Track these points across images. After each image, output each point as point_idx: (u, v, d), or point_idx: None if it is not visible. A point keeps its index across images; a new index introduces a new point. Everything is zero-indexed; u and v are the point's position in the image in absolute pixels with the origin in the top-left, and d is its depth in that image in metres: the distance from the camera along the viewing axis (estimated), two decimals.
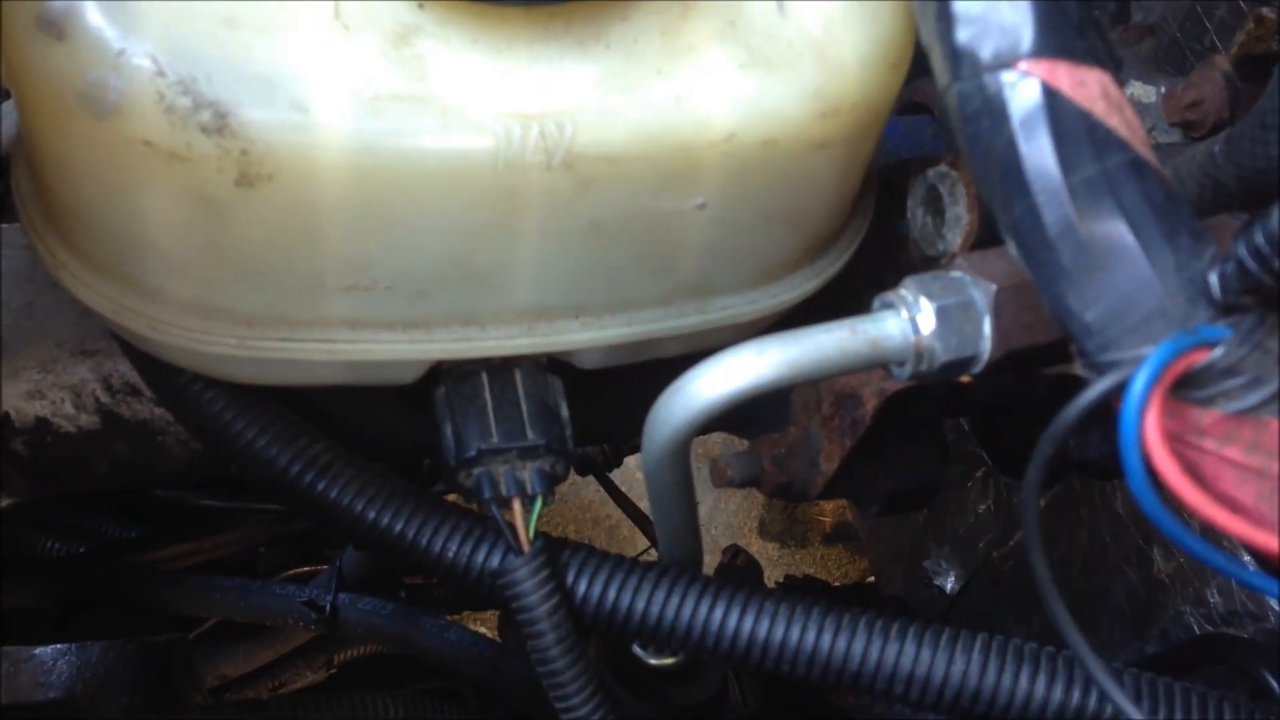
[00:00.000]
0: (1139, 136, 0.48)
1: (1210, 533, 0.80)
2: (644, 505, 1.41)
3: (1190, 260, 0.46)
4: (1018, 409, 0.93)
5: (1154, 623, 1.15)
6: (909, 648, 0.69)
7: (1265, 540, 0.45)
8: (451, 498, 0.77)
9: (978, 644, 0.69)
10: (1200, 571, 1.12)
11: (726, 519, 2.58)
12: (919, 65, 0.82)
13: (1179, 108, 0.83)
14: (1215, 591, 1.09)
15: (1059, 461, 1.00)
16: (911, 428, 0.84)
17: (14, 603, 1.19)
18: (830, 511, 2.56)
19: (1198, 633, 1.10)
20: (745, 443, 0.90)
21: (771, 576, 1.35)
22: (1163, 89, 0.87)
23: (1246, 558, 0.86)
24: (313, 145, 0.57)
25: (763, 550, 2.53)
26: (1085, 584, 1.23)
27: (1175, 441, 0.46)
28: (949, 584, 1.50)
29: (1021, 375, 0.85)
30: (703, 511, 2.54)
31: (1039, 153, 0.47)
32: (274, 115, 0.56)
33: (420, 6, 0.58)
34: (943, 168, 0.80)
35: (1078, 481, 1.29)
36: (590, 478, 1.47)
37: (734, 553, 1.35)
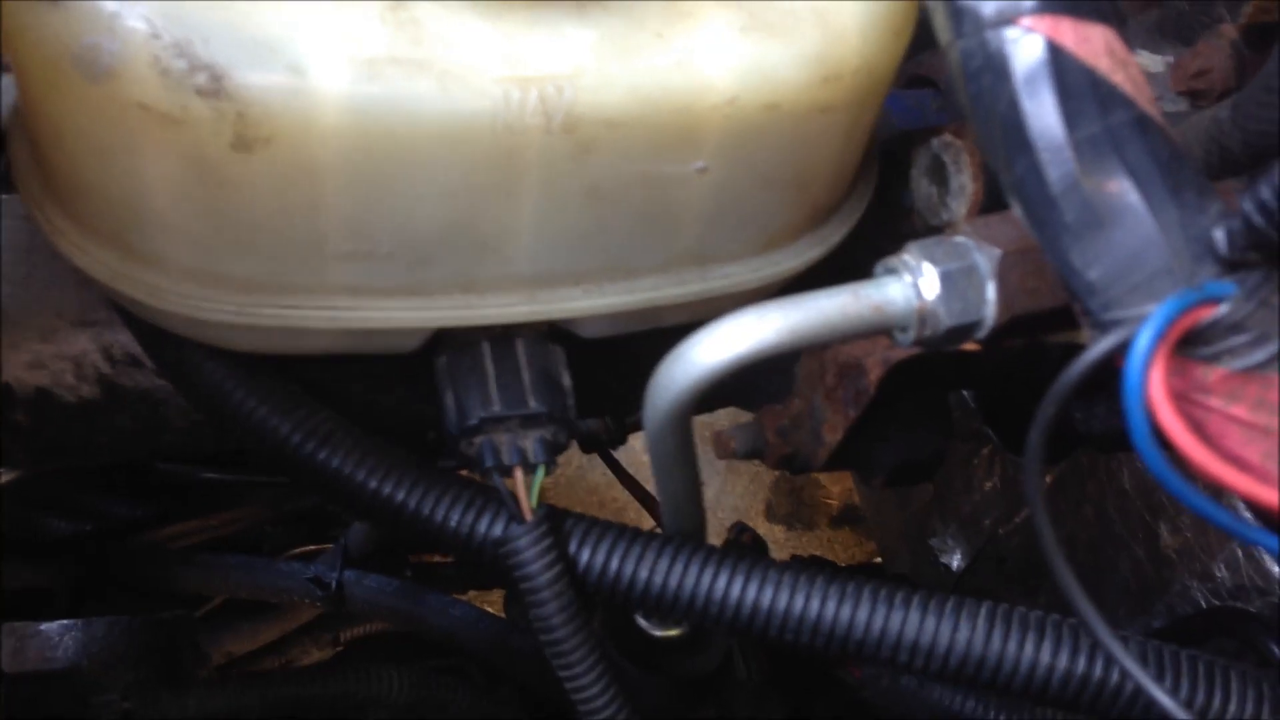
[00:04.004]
0: (1144, 93, 0.47)
1: (1215, 494, 0.79)
2: (650, 487, 1.40)
3: (1196, 217, 0.45)
4: (1024, 384, 0.93)
5: (1160, 598, 1.15)
6: (914, 616, 0.69)
7: (1271, 497, 0.44)
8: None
9: (983, 612, 0.69)
10: (1207, 546, 1.11)
11: (733, 501, 2.58)
12: (923, 39, 0.81)
13: (1186, 76, 0.82)
14: (1222, 566, 1.09)
15: (1067, 435, 0.99)
16: (916, 399, 0.84)
17: (22, 582, 1.19)
18: (837, 494, 2.56)
19: (1204, 607, 1.10)
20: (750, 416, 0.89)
21: (778, 558, 1.34)
22: (1170, 58, 0.86)
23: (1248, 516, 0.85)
24: (309, 109, 0.57)
25: (769, 533, 2.53)
26: (1091, 560, 1.23)
27: (1180, 400, 0.45)
28: (955, 561, 1.50)
29: (1028, 346, 0.84)
30: (709, 494, 2.54)
31: (1042, 110, 0.46)
32: (270, 78, 0.56)
33: None
34: (947, 137, 0.79)
35: (1084, 458, 1.29)
36: (596, 461, 1.46)
37: (739, 530, 1.35)
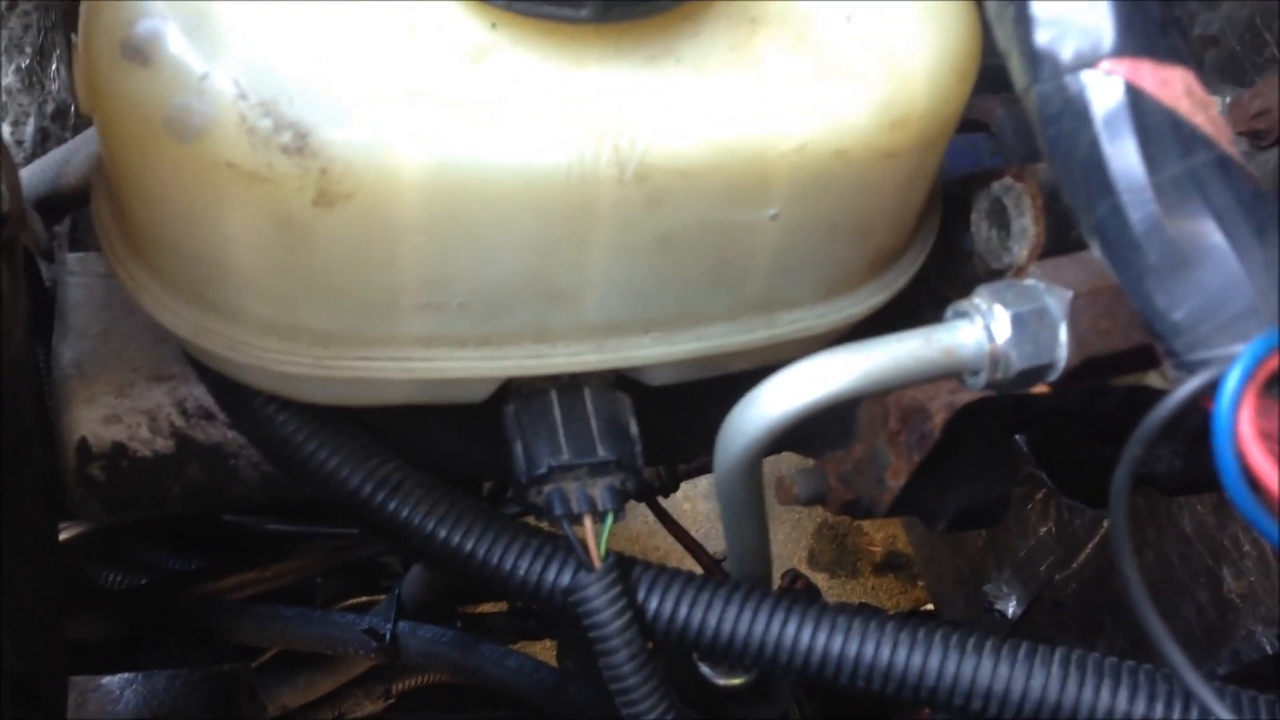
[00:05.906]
0: (1224, 134, 0.47)
1: None
2: (695, 533, 1.40)
3: None
4: (1081, 428, 0.92)
5: (1225, 643, 1.13)
6: (986, 661, 0.68)
7: None
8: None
9: (1056, 657, 0.68)
10: (1272, 590, 1.10)
11: (775, 549, 2.56)
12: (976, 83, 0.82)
13: (1246, 117, 0.82)
14: None
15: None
16: (980, 442, 0.84)
17: (79, 635, 1.20)
18: (880, 541, 2.54)
19: (1270, 652, 1.08)
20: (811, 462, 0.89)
21: None
22: (1227, 99, 0.86)
23: None
24: (390, 164, 0.58)
25: (812, 580, 2.51)
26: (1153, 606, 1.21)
27: (1269, 439, 0.45)
28: (1010, 608, 1.48)
29: (1093, 389, 0.84)
30: None
31: (1123, 152, 0.47)
32: (352, 135, 0.57)
33: (492, 27, 0.59)
34: (1008, 180, 0.79)
35: (1142, 503, 1.27)
36: (636, 509, 1.45)
37: (793, 577, 1.35)
